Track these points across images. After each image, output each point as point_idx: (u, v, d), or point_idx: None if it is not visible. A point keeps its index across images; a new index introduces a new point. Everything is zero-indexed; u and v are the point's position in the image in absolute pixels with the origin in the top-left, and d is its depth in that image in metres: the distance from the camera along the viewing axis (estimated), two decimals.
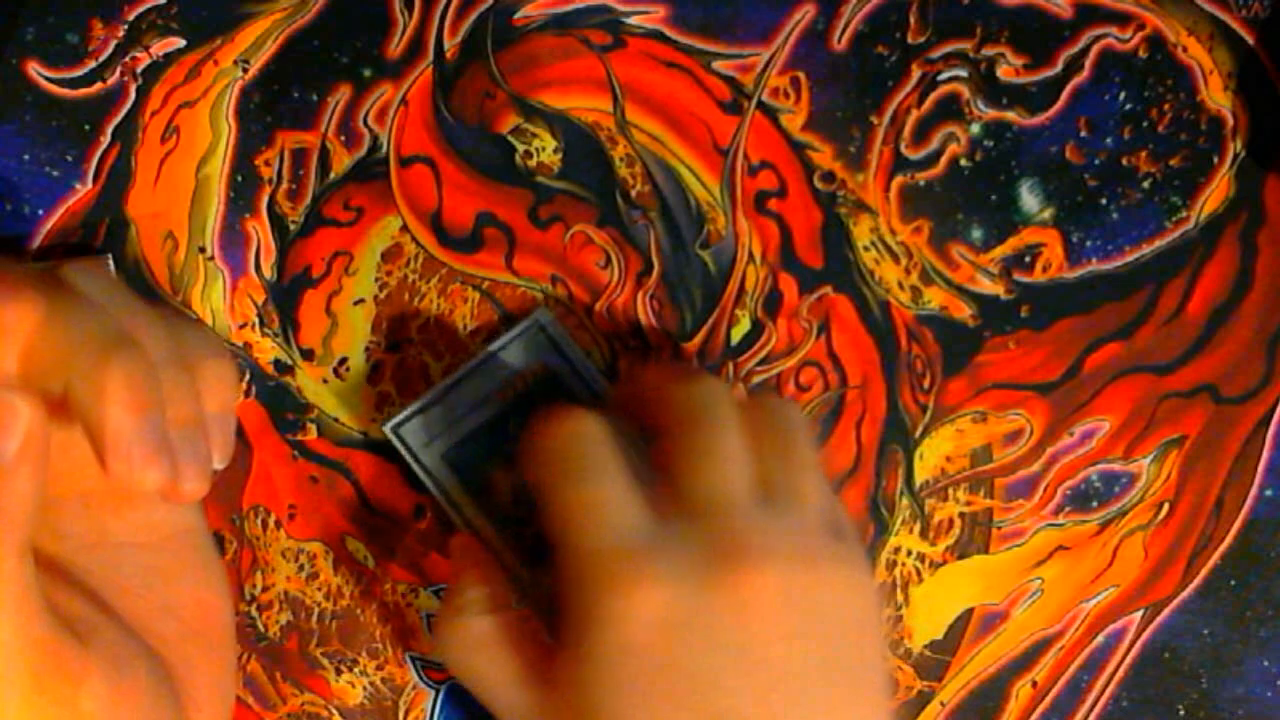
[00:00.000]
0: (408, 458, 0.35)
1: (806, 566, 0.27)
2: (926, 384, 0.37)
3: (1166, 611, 0.38)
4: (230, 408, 0.29)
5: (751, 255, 0.36)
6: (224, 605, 0.30)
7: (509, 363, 0.35)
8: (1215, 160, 0.36)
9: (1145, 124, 0.36)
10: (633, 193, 0.36)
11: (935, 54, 0.35)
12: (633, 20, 0.35)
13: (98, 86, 0.35)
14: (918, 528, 0.37)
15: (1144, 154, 0.36)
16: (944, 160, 0.36)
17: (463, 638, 0.30)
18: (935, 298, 0.36)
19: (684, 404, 0.29)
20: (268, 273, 0.36)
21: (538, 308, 0.35)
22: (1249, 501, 0.37)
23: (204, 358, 0.28)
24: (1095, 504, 0.37)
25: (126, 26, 0.35)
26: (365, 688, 0.38)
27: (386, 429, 0.34)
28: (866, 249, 0.36)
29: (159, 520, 0.27)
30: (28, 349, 0.24)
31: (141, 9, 0.35)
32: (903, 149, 0.36)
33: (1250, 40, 0.35)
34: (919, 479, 0.37)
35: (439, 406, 0.34)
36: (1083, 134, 0.36)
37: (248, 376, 0.36)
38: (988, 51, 0.35)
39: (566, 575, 0.28)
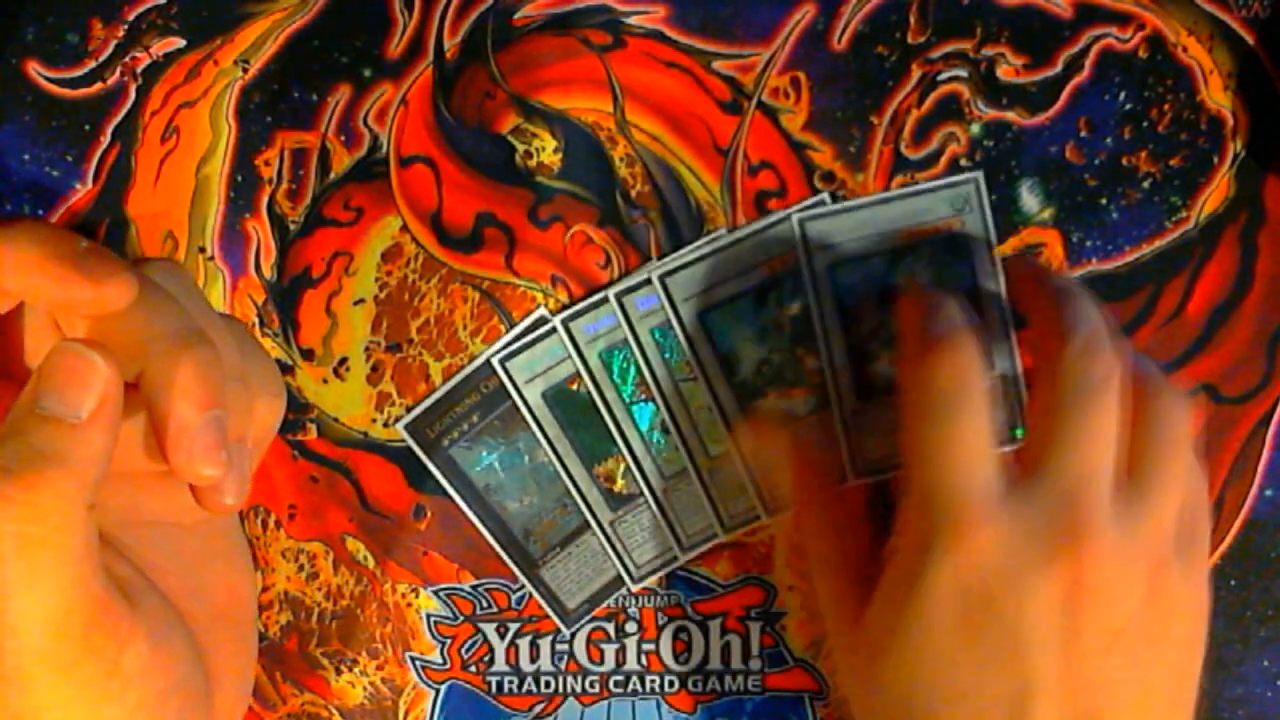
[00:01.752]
0: (668, 309, 0.34)
1: (1144, 572, 0.28)
2: None
3: None
4: (264, 447, 0.29)
5: None
6: (250, 592, 0.31)
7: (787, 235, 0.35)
8: (1215, 160, 0.36)
9: (1145, 124, 0.36)
10: (633, 193, 0.36)
11: (935, 54, 0.35)
12: (633, 20, 0.35)
13: (98, 86, 0.35)
14: None
15: (1144, 154, 0.36)
16: (944, 160, 0.36)
17: (816, 510, 0.32)
18: None
19: (1076, 377, 0.29)
20: (268, 273, 0.36)
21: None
22: (1249, 501, 0.37)
23: (262, 393, 0.28)
24: None
25: (126, 26, 0.35)
26: (365, 688, 0.38)
27: (654, 276, 0.34)
28: None
29: (195, 504, 0.27)
30: (105, 326, 0.24)
31: (141, 9, 0.35)
32: (903, 149, 0.36)
33: (1250, 40, 0.35)
34: None
35: (705, 265, 0.34)
36: (1083, 134, 0.36)
37: None
38: (988, 51, 0.35)
39: (913, 500, 0.29)
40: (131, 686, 0.24)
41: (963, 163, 0.36)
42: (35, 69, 0.35)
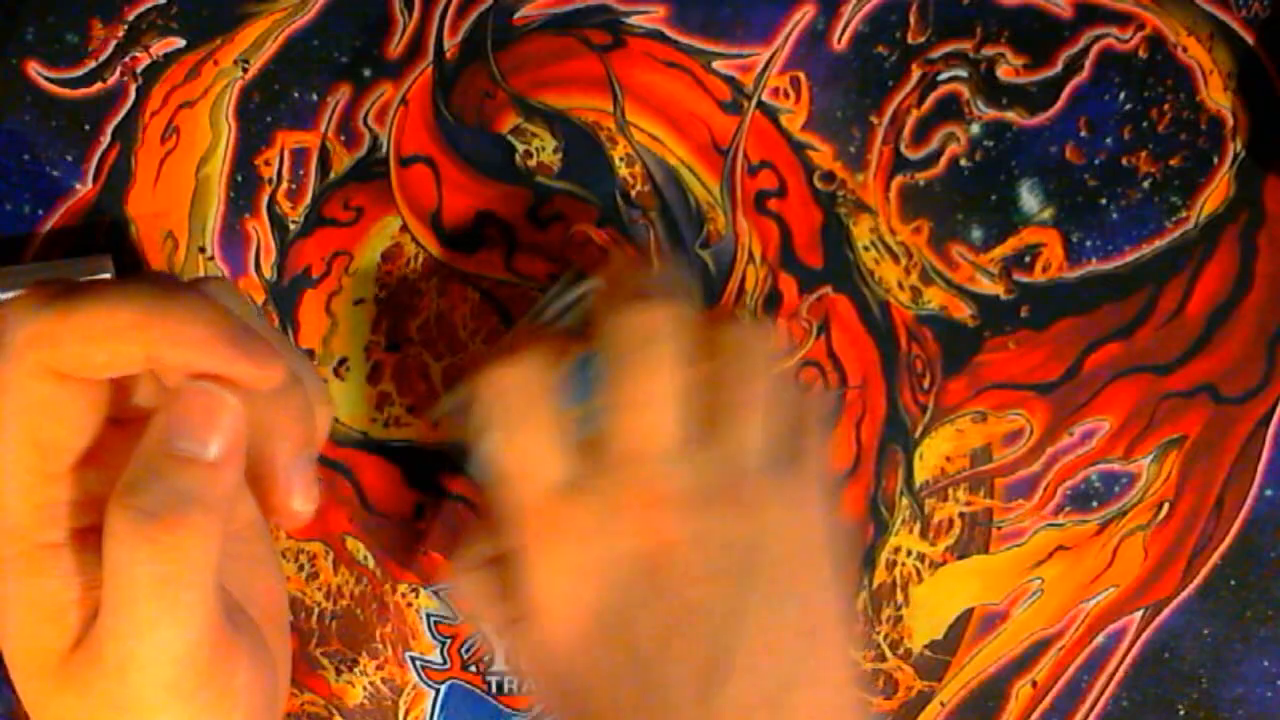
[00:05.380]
0: None
1: (725, 509, 0.27)
2: (926, 384, 0.37)
3: (1166, 611, 0.38)
4: (317, 451, 0.30)
5: (751, 255, 0.36)
6: (284, 592, 0.31)
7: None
8: (1215, 160, 0.36)
9: (1145, 124, 0.36)
10: (633, 193, 0.36)
11: (935, 54, 0.35)
12: (633, 20, 0.35)
13: (98, 86, 0.35)
14: (917, 528, 0.37)
15: (1144, 154, 0.36)
16: (944, 160, 0.36)
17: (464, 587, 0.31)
18: (935, 298, 0.36)
19: (619, 341, 0.28)
20: (268, 273, 0.36)
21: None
22: (1249, 501, 0.37)
23: (319, 403, 0.28)
24: (1095, 504, 0.37)
25: (126, 26, 0.35)
26: (365, 688, 0.38)
27: None
28: (866, 249, 0.36)
29: (241, 511, 0.28)
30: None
31: (141, 9, 0.35)
32: (903, 149, 0.36)
33: (1250, 40, 0.35)
34: (919, 479, 0.37)
35: None
36: (1083, 134, 0.36)
37: None
38: (988, 51, 0.35)
39: (507, 529, 0.28)
40: (239, 706, 0.24)
41: (963, 163, 0.36)
42: (35, 69, 0.35)
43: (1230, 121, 0.36)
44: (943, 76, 0.36)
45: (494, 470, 0.28)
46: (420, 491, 0.37)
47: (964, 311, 0.36)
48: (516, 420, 0.27)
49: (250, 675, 0.25)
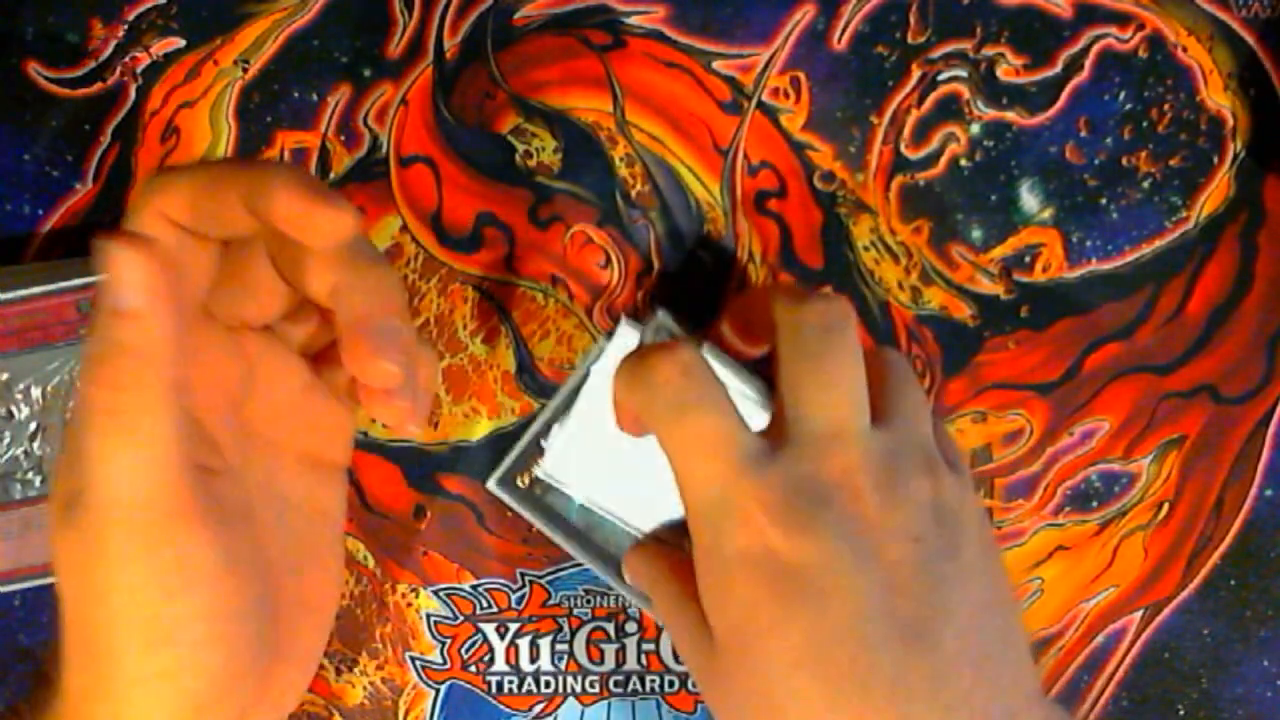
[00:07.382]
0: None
1: (923, 486, 0.28)
2: (926, 384, 0.37)
3: (1166, 611, 0.38)
4: (429, 399, 0.31)
5: (751, 255, 0.36)
6: (333, 601, 0.32)
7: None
8: (1215, 160, 0.36)
9: (1145, 124, 0.36)
10: (633, 193, 0.36)
11: (935, 54, 0.35)
12: (633, 20, 0.35)
13: (98, 86, 0.35)
14: None
15: (1144, 154, 0.36)
16: (944, 160, 0.36)
17: (634, 572, 0.32)
18: (935, 298, 0.36)
19: (802, 328, 0.28)
20: None
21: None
22: (1249, 501, 0.37)
23: (424, 346, 0.30)
24: (1095, 504, 0.37)
25: (126, 26, 0.35)
26: (365, 688, 0.38)
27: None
28: (866, 249, 0.36)
29: (319, 496, 0.30)
30: (308, 257, 0.27)
31: (141, 9, 0.35)
32: (903, 149, 0.36)
33: (1250, 40, 0.36)
34: None
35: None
36: (1083, 134, 0.36)
37: None
38: (988, 51, 0.35)
39: (685, 503, 0.28)
40: (197, 589, 0.26)
41: (963, 163, 0.36)
42: (35, 69, 0.35)
43: (1230, 121, 0.36)
44: (943, 76, 0.36)
45: (677, 451, 0.28)
46: (420, 491, 0.37)
47: (964, 311, 0.36)
48: (695, 399, 0.28)
49: (219, 569, 0.26)
